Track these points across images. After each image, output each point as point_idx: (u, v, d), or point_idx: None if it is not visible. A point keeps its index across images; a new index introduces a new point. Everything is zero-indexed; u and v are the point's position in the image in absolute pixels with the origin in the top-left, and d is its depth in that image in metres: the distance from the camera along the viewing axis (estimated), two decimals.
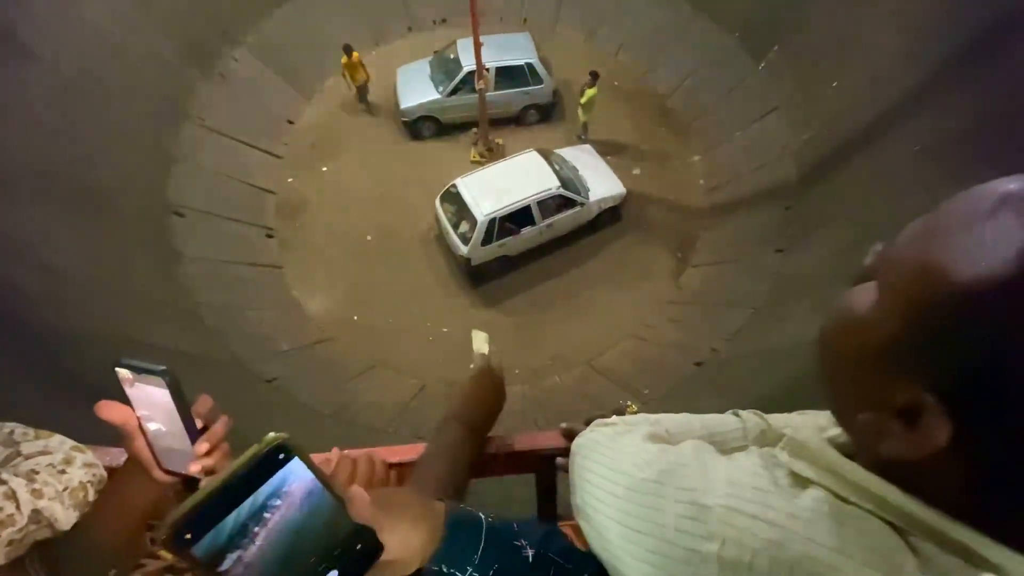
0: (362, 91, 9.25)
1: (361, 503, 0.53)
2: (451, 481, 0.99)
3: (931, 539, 0.49)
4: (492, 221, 7.52)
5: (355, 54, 8.79)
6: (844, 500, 0.53)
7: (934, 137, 6.43)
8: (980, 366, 0.44)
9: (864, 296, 0.54)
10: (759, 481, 0.56)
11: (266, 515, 0.49)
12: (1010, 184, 0.48)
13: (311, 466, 0.52)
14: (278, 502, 0.50)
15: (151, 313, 6.69)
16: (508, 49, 8.99)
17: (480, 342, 1.17)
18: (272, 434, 0.51)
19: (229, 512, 0.48)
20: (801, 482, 0.56)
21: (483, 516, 0.66)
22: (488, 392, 1.13)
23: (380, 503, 0.56)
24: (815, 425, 0.66)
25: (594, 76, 8.52)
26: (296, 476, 0.51)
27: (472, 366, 1.17)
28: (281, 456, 0.50)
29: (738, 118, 8.99)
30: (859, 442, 0.57)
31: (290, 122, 9.44)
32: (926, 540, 0.49)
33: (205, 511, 0.47)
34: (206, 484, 0.49)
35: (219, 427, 0.84)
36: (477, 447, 1.09)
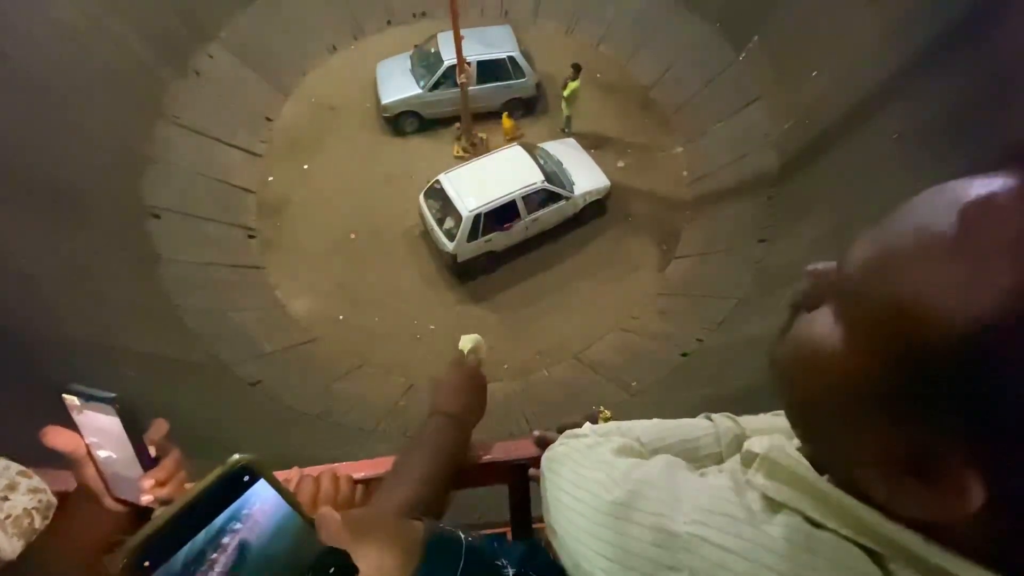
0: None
1: (332, 525, 0.50)
2: (435, 478, 0.95)
3: (912, 566, 0.46)
4: (477, 217, 7.47)
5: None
6: (819, 525, 0.50)
7: (913, 124, 6.50)
8: (996, 406, 0.39)
9: (824, 329, 0.49)
10: (729, 507, 0.54)
11: (224, 540, 0.46)
12: (965, 191, 0.43)
13: (278, 488, 0.49)
14: (237, 525, 0.47)
15: (129, 318, 6.56)
16: (489, 42, 8.90)
17: (465, 342, 1.16)
18: (236, 455, 0.48)
19: (192, 537, 0.45)
20: (774, 506, 0.53)
21: (463, 535, 0.64)
22: (462, 382, 1.10)
23: (353, 524, 0.53)
24: (788, 429, 0.64)
25: (576, 69, 8.48)
26: (259, 498, 0.48)
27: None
28: (246, 478, 0.47)
29: (719, 109, 9.02)
30: (852, 486, 0.51)
31: (268, 119, 9.28)
32: (907, 567, 0.46)
33: (165, 537, 0.44)
34: (167, 508, 0.46)
35: (170, 461, 0.81)
36: (462, 440, 1.06)
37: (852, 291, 0.47)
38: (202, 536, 0.45)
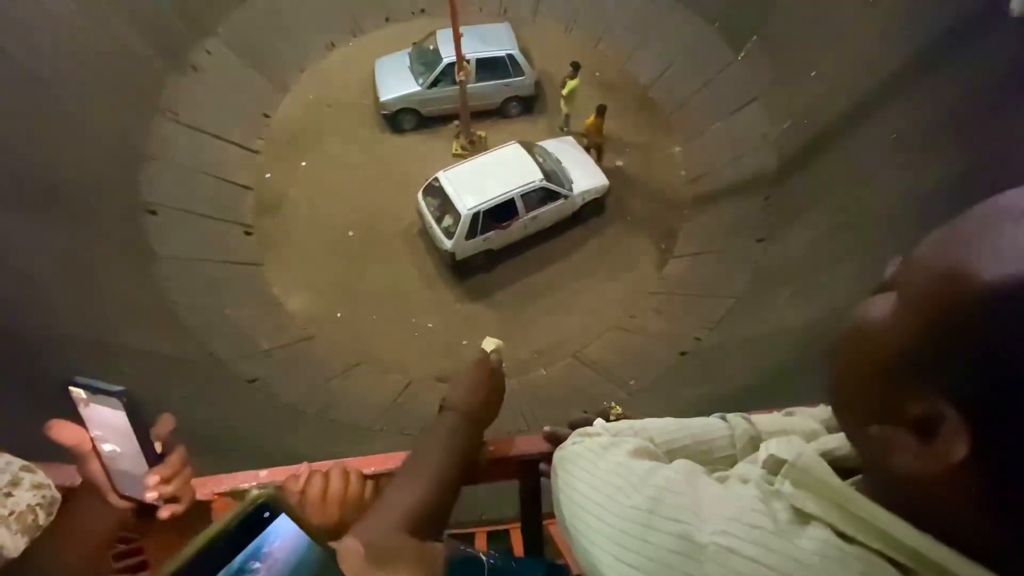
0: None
1: (354, 557, 0.51)
2: (448, 478, 0.94)
3: None
4: (476, 215, 7.46)
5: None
6: (848, 538, 0.50)
7: (911, 124, 6.53)
8: (1006, 372, 0.41)
9: (881, 305, 0.51)
10: (757, 518, 0.53)
11: None
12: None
13: (299, 522, 0.49)
14: (256, 565, 0.46)
15: (126, 315, 6.52)
16: (488, 40, 8.88)
17: (488, 343, 1.20)
18: (256, 491, 0.48)
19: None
20: (802, 517, 0.52)
21: (484, 558, 0.64)
22: (484, 379, 1.10)
23: (374, 553, 0.53)
24: (806, 431, 0.63)
25: (575, 67, 8.47)
26: (279, 535, 0.48)
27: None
28: (266, 514, 0.47)
29: (718, 108, 9.02)
30: (868, 458, 0.53)
31: (266, 116, 9.23)
32: None
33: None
34: (187, 546, 0.45)
35: (175, 458, 0.79)
36: (475, 437, 1.04)
37: (912, 267, 0.50)
38: None
